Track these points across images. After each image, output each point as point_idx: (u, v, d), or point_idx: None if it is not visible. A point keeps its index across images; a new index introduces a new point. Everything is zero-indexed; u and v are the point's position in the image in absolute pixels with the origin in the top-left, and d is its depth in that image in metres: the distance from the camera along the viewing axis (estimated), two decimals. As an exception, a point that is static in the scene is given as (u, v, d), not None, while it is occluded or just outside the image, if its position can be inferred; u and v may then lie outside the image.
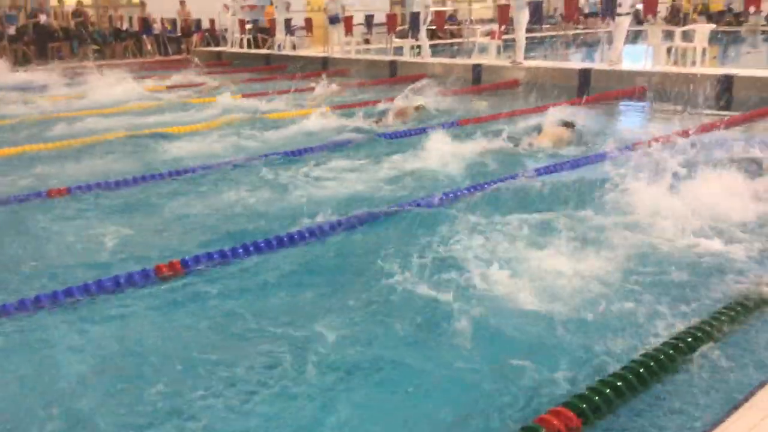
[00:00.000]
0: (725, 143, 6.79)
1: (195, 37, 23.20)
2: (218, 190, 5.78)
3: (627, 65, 12.29)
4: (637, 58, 13.31)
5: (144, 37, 22.02)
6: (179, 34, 23.00)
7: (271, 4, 20.28)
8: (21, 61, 19.21)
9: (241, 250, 4.13)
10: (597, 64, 12.69)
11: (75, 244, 4.48)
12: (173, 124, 9.01)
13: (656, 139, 5.91)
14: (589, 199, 4.82)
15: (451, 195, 5.22)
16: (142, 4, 22.64)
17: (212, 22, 21.93)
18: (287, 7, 19.44)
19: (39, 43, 19.84)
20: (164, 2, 22.03)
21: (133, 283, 3.74)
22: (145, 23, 22.05)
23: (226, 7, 20.80)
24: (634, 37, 17.47)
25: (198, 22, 22.86)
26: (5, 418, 2.55)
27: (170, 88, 13.69)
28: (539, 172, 5.94)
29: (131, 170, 6.46)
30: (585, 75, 11.84)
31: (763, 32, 25.12)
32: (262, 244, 4.21)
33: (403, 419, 2.48)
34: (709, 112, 8.78)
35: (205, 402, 2.60)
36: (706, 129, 7.51)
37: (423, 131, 7.80)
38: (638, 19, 17.51)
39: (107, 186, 5.92)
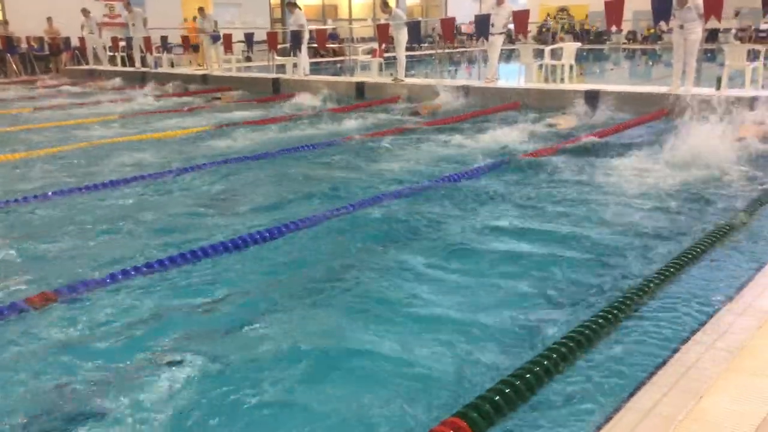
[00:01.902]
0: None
1: (64, 56, 22.09)
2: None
3: (502, 82, 12.84)
4: (511, 75, 13.93)
5: (8, 56, 20.75)
6: (47, 53, 21.83)
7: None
8: None
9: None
10: (475, 81, 13.14)
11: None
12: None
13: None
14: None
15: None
16: (5, 22, 21.30)
17: (82, 40, 20.96)
18: (144, 23, 18.84)
19: None
20: (30, 20, 20.85)
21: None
22: (9, 42, 20.77)
23: (82, 26, 20.00)
24: (508, 56, 18.29)
25: (67, 40, 21.78)
26: None
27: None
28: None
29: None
30: (465, 91, 12.23)
31: (624, 49, 27.00)
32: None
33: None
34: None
35: None
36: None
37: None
38: (511, 39, 18.32)
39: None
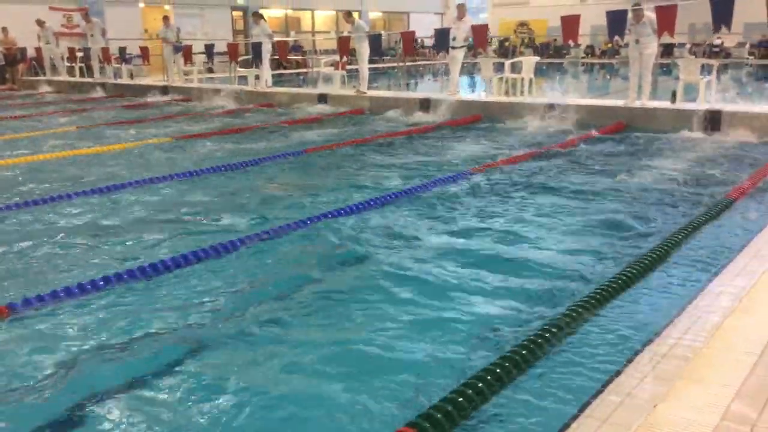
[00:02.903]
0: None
1: (21, 66, 21.64)
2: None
3: (464, 95, 12.96)
4: (472, 89, 14.08)
5: (-39, 66, 20.26)
6: (3, 63, 21.34)
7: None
8: None
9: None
10: (436, 94, 13.24)
11: None
12: None
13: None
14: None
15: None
16: (-42, 32, 20.80)
17: (39, 50, 20.57)
18: (102, 33, 18.63)
19: None
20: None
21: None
22: (-38, 51, 20.29)
23: (38, 36, 19.67)
24: (470, 69, 18.49)
25: (23, 50, 21.35)
26: None
27: None
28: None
29: None
30: (425, 104, 12.31)
31: (583, 64, 27.52)
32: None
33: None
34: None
35: None
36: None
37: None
38: (473, 52, 18.53)
39: None
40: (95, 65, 19.26)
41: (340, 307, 3.68)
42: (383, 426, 2.44)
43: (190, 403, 2.75)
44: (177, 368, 3.04)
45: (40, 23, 19.44)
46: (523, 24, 33.16)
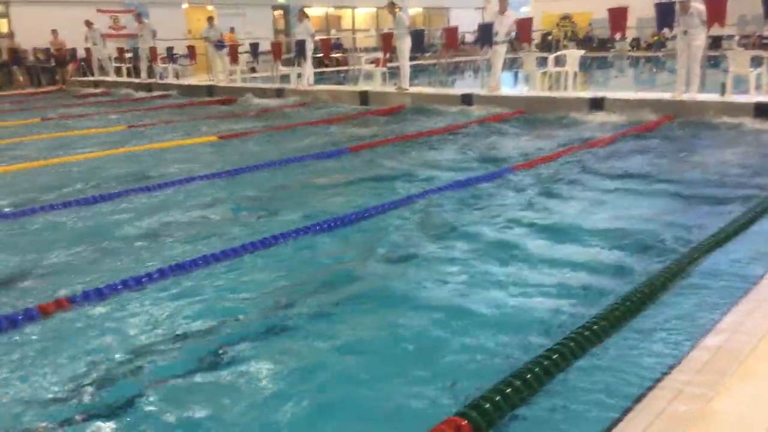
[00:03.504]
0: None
1: (70, 67, 22.23)
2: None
3: (505, 90, 12.87)
4: (514, 84, 13.97)
5: (14, 68, 20.88)
6: (53, 64, 21.97)
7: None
8: None
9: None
10: (478, 90, 13.18)
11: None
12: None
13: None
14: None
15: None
16: (11, 34, 21.48)
17: (88, 51, 21.12)
18: (153, 35, 19.03)
19: None
20: (35, 32, 21.00)
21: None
22: (15, 54, 20.92)
23: (86, 37, 20.16)
24: (511, 64, 18.34)
25: (73, 51, 21.94)
26: None
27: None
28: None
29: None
30: (467, 100, 12.27)
31: (628, 57, 27.04)
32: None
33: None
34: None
35: None
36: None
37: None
38: (514, 47, 18.39)
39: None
40: (144, 65, 19.68)
41: (388, 298, 3.74)
42: (433, 414, 2.46)
43: (250, 387, 2.84)
44: (235, 356, 3.13)
45: (88, 24, 19.93)
46: (566, 17, 32.70)
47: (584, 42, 28.89)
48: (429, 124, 10.86)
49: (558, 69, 12.74)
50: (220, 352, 3.18)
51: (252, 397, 2.78)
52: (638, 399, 2.39)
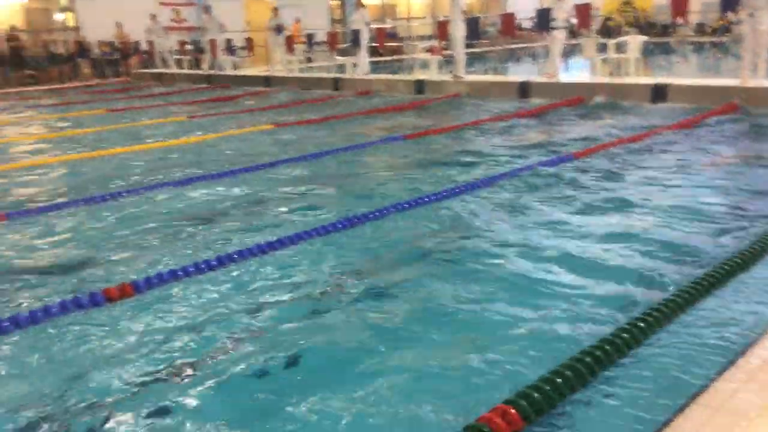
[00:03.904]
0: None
1: (133, 59, 22.84)
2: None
3: (564, 77, 12.63)
4: (574, 70, 13.69)
5: (80, 60, 21.57)
6: (117, 57, 22.61)
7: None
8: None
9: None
10: (536, 77, 12.99)
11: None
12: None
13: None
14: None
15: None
16: (77, 28, 22.18)
17: (151, 43, 21.64)
18: (219, 27, 19.38)
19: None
20: (100, 25, 21.64)
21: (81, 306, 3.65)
22: (81, 46, 21.61)
23: (149, 30, 20.64)
24: (571, 50, 17.99)
25: (136, 44, 22.54)
26: None
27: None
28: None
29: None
30: (524, 87, 12.10)
31: (691, 43, 26.17)
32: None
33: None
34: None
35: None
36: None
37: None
38: (573, 33, 18.03)
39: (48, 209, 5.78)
40: (209, 57, 20.05)
41: (449, 280, 3.78)
42: (480, 401, 2.46)
43: (328, 363, 2.94)
44: (301, 339, 3.18)
45: (152, 18, 20.43)
46: (627, 2, 31.82)
47: (646, 28, 28.08)
48: (485, 111, 10.76)
49: (619, 55, 12.43)
50: (290, 329, 3.28)
51: (332, 368, 2.88)
52: (696, 394, 2.32)
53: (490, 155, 7.28)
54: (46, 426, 2.61)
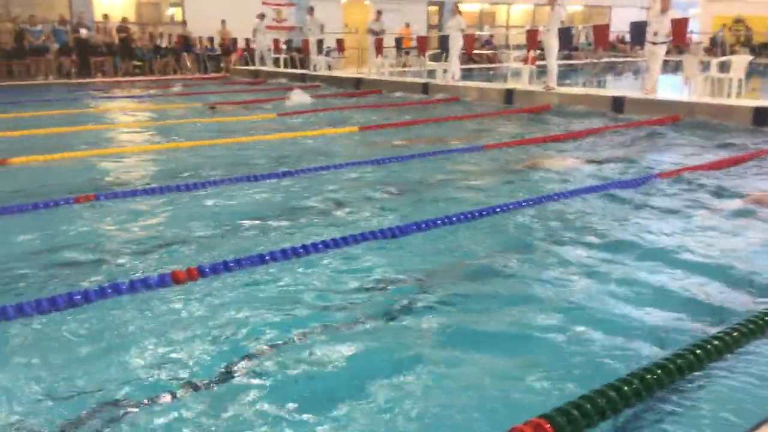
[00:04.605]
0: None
1: (233, 56, 23.61)
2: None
3: (662, 94, 12.15)
4: (673, 88, 13.14)
5: (184, 54, 22.49)
6: (219, 53, 23.44)
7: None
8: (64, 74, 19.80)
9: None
10: (631, 92, 12.57)
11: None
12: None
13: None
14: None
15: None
16: (184, 23, 23.15)
17: (247, 41, 22.36)
18: (321, 29, 19.76)
19: (81, 58, 20.35)
20: (205, 21, 22.51)
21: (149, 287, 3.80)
22: (185, 41, 22.52)
23: (255, 29, 21.23)
24: (674, 67, 17.34)
25: (235, 41, 23.32)
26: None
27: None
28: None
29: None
30: (618, 102, 11.73)
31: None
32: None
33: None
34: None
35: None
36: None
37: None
38: (680, 49, 17.39)
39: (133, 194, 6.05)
40: (311, 57, 20.48)
41: (507, 293, 3.74)
42: (517, 414, 2.40)
43: (388, 364, 2.94)
44: (350, 339, 3.20)
45: (260, 17, 21.05)
46: (739, 20, 30.37)
47: (758, 48, 26.65)
48: (574, 125, 10.50)
49: (722, 75, 11.86)
50: (346, 327, 3.32)
51: (375, 368, 2.89)
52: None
53: (569, 170, 7.08)
54: (105, 397, 2.72)
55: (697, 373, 2.65)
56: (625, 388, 2.40)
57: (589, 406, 2.27)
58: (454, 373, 2.83)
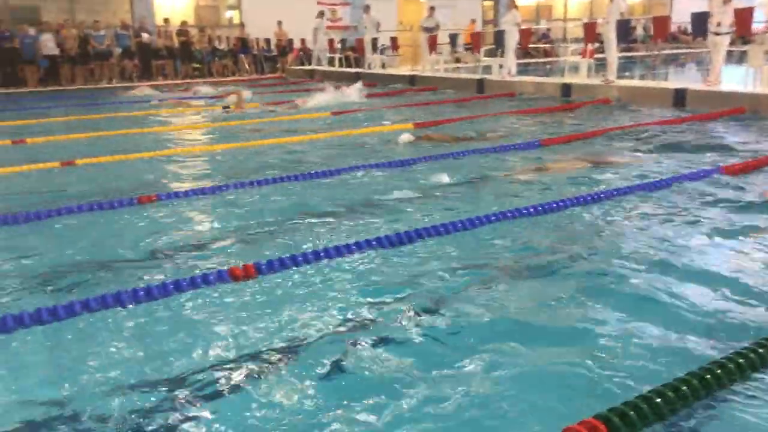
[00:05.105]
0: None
1: (289, 56, 23.90)
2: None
3: (725, 86, 11.74)
4: (739, 79, 12.68)
5: (241, 56, 22.87)
6: (275, 53, 23.76)
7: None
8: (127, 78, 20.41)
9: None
10: (693, 84, 12.20)
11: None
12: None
13: None
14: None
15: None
16: (242, 25, 23.55)
17: (303, 41, 22.59)
18: (377, 27, 19.82)
19: (143, 61, 20.93)
20: (262, 22, 22.85)
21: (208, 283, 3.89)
22: (243, 43, 22.91)
23: (315, 28, 21.40)
24: (739, 58, 16.76)
25: (291, 41, 23.60)
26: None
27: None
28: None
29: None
30: (680, 95, 11.41)
31: None
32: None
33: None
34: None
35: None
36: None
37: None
38: (744, 39, 16.81)
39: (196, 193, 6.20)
40: (366, 55, 20.58)
41: (559, 293, 3.67)
42: (569, 414, 2.37)
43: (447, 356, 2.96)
44: (406, 333, 3.22)
45: (321, 15, 21.25)
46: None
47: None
48: (633, 119, 10.25)
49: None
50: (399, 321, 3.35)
51: (432, 362, 2.90)
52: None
53: (628, 165, 6.93)
54: (167, 387, 2.81)
55: (758, 375, 2.56)
56: (684, 388, 2.33)
57: (645, 406, 2.22)
58: (508, 369, 2.82)
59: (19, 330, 3.35)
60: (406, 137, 8.35)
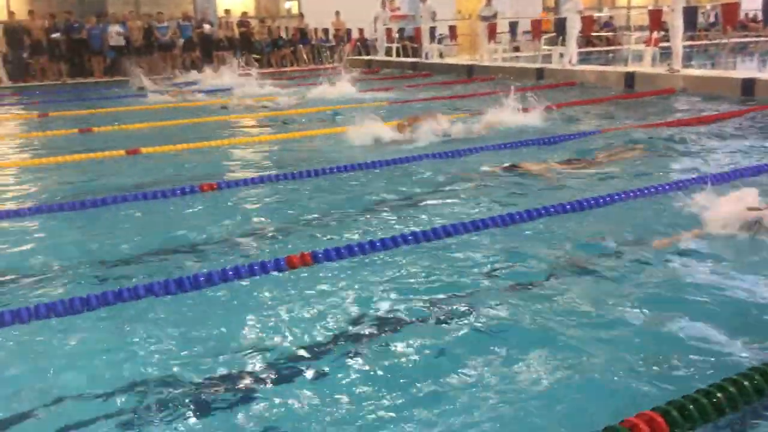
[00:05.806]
0: None
1: (347, 46, 24.01)
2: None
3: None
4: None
5: (300, 46, 23.08)
6: (333, 44, 23.91)
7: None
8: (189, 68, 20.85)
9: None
10: (762, 74, 11.74)
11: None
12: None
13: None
14: None
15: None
16: (301, 16, 23.77)
17: (361, 31, 22.64)
18: (433, 16, 19.71)
19: (204, 52, 21.34)
20: (320, 13, 23.01)
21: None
22: (302, 33, 23.12)
23: (376, 18, 21.40)
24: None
25: (349, 31, 23.69)
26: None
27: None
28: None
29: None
30: (748, 85, 10.99)
31: None
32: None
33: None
34: None
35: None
36: None
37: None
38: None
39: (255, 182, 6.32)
40: (423, 45, 20.53)
41: (616, 285, 3.62)
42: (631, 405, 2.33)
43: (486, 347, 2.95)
44: (453, 325, 3.22)
45: (384, 4, 21.28)
46: None
47: None
48: (698, 109, 9.94)
49: None
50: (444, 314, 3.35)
51: (484, 353, 2.91)
52: None
53: (694, 156, 6.73)
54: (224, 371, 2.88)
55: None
56: (746, 383, 2.26)
57: (705, 401, 2.17)
58: (566, 360, 2.79)
59: (85, 312, 3.49)
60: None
